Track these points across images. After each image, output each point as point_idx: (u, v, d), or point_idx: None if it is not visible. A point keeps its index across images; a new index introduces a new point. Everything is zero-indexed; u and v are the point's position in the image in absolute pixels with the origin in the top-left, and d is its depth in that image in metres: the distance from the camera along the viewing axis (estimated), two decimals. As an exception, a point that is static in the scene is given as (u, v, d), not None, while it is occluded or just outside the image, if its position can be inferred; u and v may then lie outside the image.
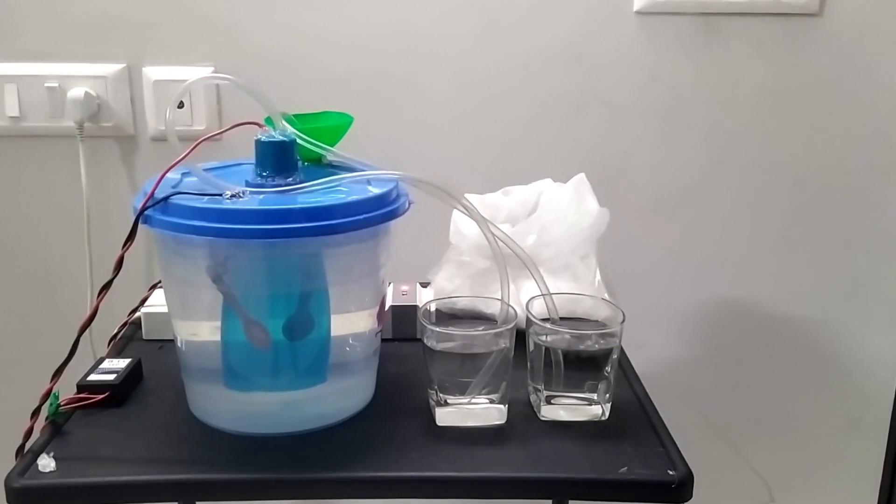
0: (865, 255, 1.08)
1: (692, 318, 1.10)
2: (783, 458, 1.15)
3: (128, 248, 0.59)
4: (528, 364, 0.66)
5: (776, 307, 1.09)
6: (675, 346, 1.11)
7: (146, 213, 0.58)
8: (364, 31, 0.97)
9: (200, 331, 0.64)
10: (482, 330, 0.65)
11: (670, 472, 0.57)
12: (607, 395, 0.65)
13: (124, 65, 0.97)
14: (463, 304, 0.72)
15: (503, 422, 0.64)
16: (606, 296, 0.77)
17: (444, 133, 1.01)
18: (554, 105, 1.01)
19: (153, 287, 0.83)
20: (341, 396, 0.66)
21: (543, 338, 0.64)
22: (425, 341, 0.63)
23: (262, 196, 0.60)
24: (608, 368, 0.63)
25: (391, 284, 0.80)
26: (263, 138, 0.62)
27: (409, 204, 0.64)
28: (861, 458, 1.16)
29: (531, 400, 0.67)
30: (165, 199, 0.58)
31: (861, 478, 1.16)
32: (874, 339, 1.11)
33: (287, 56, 0.97)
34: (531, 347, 0.65)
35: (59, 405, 0.63)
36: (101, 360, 0.71)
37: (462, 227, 0.79)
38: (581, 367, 0.63)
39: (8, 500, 0.56)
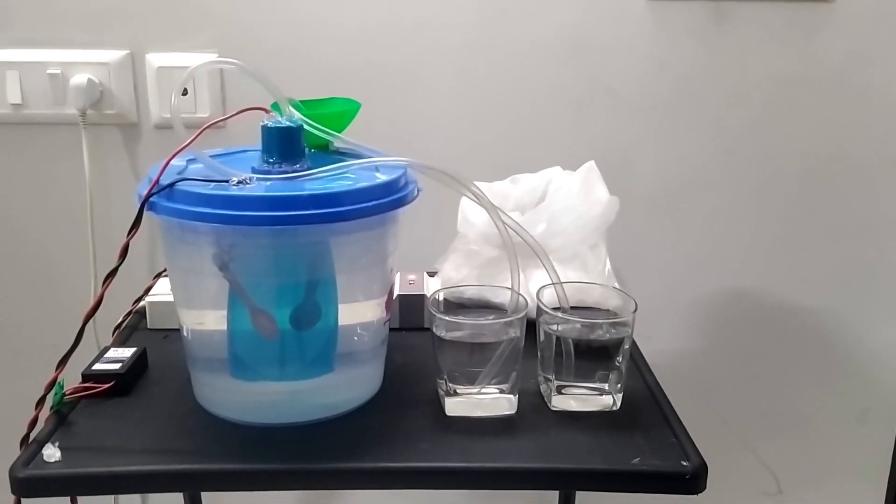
0: (875, 247, 1.07)
1: (700, 310, 1.09)
2: (791, 449, 1.15)
3: (133, 236, 0.58)
4: (539, 354, 0.65)
5: (785, 298, 1.09)
6: (683, 337, 1.10)
7: (151, 199, 0.57)
8: (369, 22, 0.96)
9: (206, 320, 0.64)
10: (492, 319, 0.64)
11: (684, 463, 0.57)
12: (619, 386, 0.64)
13: (127, 51, 0.96)
14: (471, 293, 0.71)
15: (513, 412, 0.63)
16: (617, 285, 0.76)
17: (449, 124, 1.00)
18: (560, 95, 1.00)
19: (157, 276, 0.82)
20: (349, 386, 0.65)
21: (554, 327, 0.63)
22: (434, 330, 0.62)
23: (268, 183, 0.59)
24: (619, 358, 0.63)
25: (398, 273, 0.79)
26: (270, 124, 0.61)
27: (418, 191, 0.63)
28: (869, 449, 1.15)
29: (541, 390, 0.66)
30: (171, 185, 0.57)
31: (869, 469, 1.16)
32: (883, 331, 1.10)
33: (290, 46, 0.96)
34: (541, 337, 0.64)
35: (63, 394, 0.62)
36: (106, 350, 0.70)
37: (470, 215, 0.78)
38: (592, 356, 0.63)
39: (13, 490, 0.55)
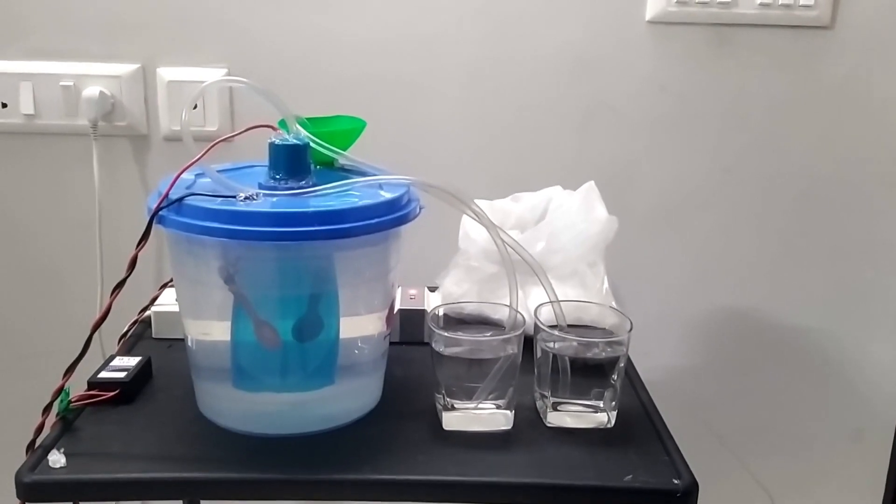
0: (872, 267, 1.08)
1: (697, 327, 1.10)
2: (786, 468, 1.15)
3: (142, 248, 0.59)
4: (535, 370, 0.66)
5: (781, 317, 1.10)
6: (679, 354, 1.11)
7: (160, 213, 0.59)
8: (375, 37, 0.98)
9: (211, 330, 0.65)
10: (490, 335, 0.65)
11: (675, 481, 0.58)
12: (613, 403, 0.65)
13: (139, 65, 0.98)
14: (470, 309, 0.72)
15: (509, 427, 0.64)
16: (614, 303, 0.77)
17: (452, 139, 1.02)
18: (562, 113, 1.02)
19: (163, 286, 0.83)
20: (349, 398, 0.66)
21: (551, 345, 0.64)
22: (433, 345, 0.63)
23: (274, 199, 0.60)
24: (615, 376, 0.64)
25: (399, 288, 0.81)
26: (277, 141, 0.63)
27: (420, 209, 0.65)
28: (864, 469, 1.16)
29: (537, 406, 0.67)
30: (180, 199, 0.59)
31: (864, 489, 1.16)
32: (879, 351, 1.11)
33: (299, 59, 0.98)
34: (538, 354, 0.65)
35: (70, 401, 0.63)
36: (112, 358, 0.71)
37: (471, 232, 0.80)
38: (588, 374, 0.64)
39: (18, 495, 0.57)
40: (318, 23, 0.98)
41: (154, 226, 0.59)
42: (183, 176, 0.62)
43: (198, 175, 0.64)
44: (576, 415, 0.65)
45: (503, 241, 0.67)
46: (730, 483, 1.15)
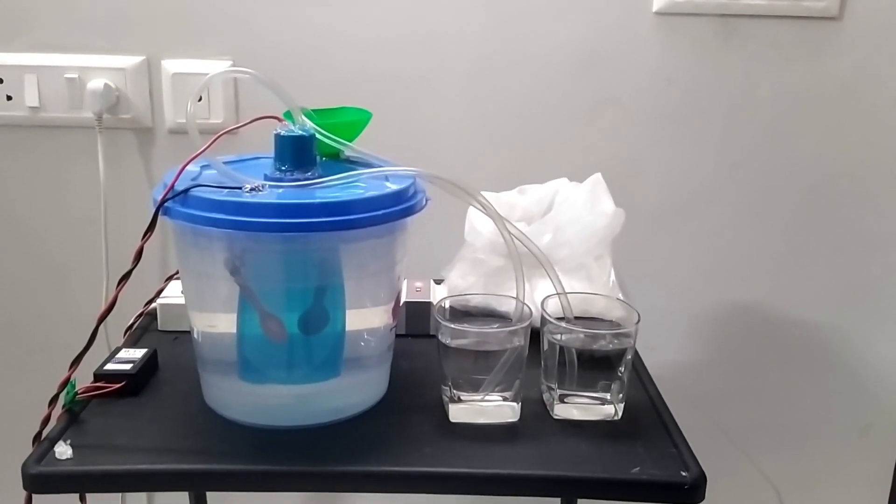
0: (880, 263, 1.08)
1: (704, 322, 1.10)
2: (793, 463, 1.15)
3: (147, 239, 0.59)
4: (542, 362, 0.66)
5: (788, 312, 1.09)
6: (685, 349, 1.10)
7: (166, 204, 0.59)
8: (380, 32, 0.98)
9: (217, 323, 0.65)
10: (497, 327, 0.65)
11: (683, 473, 0.57)
12: (620, 395, 0.65)
13: (143, 57, 0.98)
14: (476, 301, 0.72)
15: (516, 419, 0.64)
16: (621, 296, 0.77)
17: (458, 135, 1.02)
18: (568, 107, 1.01)
19: (169, 278, 0.83)
20: (355, 391, 0.66)
21: (558, 337, 0.64)
22: (440, 338, 0.63)
23: (280, 190, 0.60)
24: (622, 368, 0.64)
25: (405, 280, 0.80)
26: (283, 133, 0.62)
27: (426, 201, 0.65)
28: (871, 464, 1.15)
29: (544, 398, 0.67)
30: (185, 191, 0.58)
31: (871, 484, 1.16)
32: (886, 347, 1.11)
33: (303, 54, 0.98)
34: (545, 346, 0.65)
35: (76, 393, 0.63)
36: (118, 350, 0.71)
37: (477, 224, 0.79)
38: (595, 366, 0.63)
39: (25, 486, 0.57)
40: (323, 18, 0.97)
41: (160, 217, 0.59)
42: (188, 168, 0.61)
43: (203, 167, 0.64)
44: (583, 407, 0.65)
45: (510, 233, 0.66)
46: (736, 478, 1.15)
